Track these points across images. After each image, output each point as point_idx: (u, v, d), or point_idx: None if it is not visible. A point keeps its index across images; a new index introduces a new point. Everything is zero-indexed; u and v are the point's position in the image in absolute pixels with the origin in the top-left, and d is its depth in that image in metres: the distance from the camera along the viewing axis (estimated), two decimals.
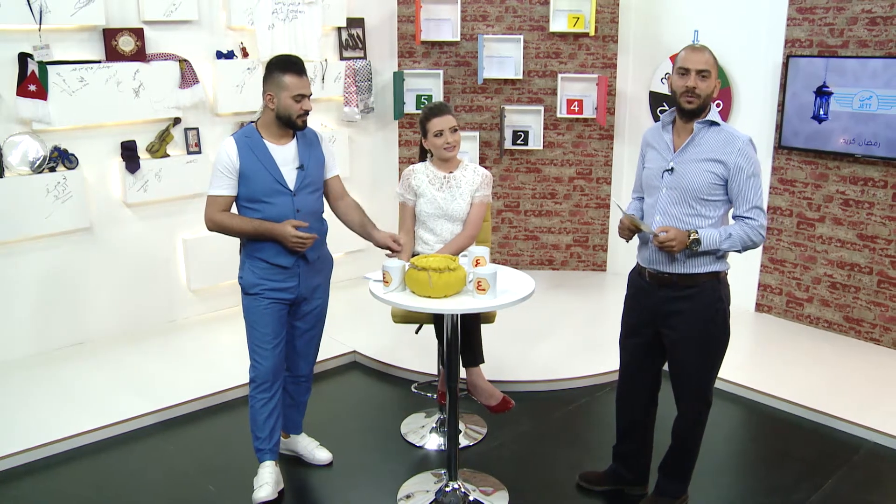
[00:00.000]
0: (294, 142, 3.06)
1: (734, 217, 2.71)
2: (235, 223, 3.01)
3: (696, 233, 2.63)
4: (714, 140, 2.69)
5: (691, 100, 2.67)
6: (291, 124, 2.99)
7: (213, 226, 3.04)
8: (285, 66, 2.95)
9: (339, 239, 5.52)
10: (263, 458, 3.16)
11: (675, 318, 2.79)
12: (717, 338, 2.81)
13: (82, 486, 3.27)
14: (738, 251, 2.69)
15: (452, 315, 2.97)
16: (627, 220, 2.79)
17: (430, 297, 2.74)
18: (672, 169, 2.74)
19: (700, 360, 2.82)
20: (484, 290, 2.73)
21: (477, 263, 2.95)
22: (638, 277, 2.92)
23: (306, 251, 3.06)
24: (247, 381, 3.16)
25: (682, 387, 2.89)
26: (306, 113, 2.99)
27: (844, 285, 4.64)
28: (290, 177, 3.03)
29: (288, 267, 3.06)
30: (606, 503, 3.19)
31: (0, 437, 3.49)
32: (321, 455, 3.43)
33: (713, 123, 2.71)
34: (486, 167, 5.68)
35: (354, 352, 4.50)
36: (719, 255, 2.71)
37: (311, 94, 3.01)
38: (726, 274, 2.81)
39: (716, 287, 2.75)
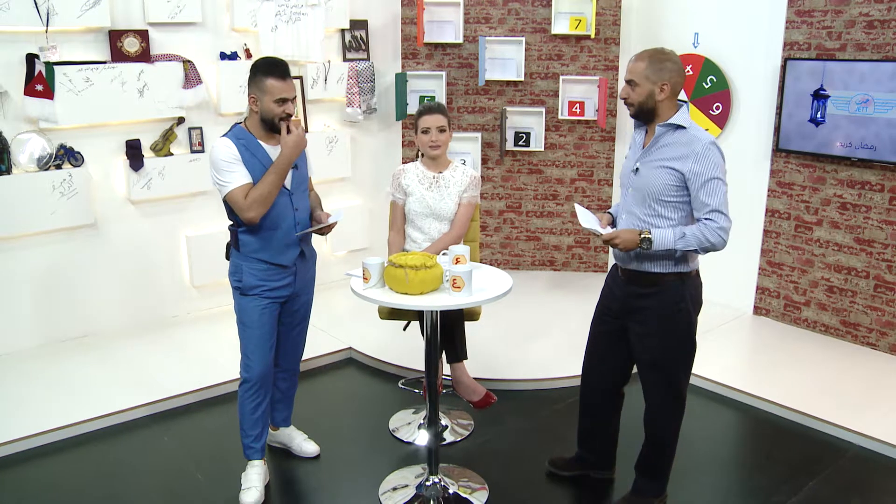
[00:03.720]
0: None
1: (696, 220, 2.73)
2: (263, 186, 2.92)
3: (649, 232, 2.67)
4: (676, 143, 2.72)
5: (628, 107, 2.78)
6: (273, 127, 2.97)
7: (254, 211, 2.91)
8: (269, 68, 2.93)
9: (343, 238, 5.65)
10: (253, 456, 3.20)
11: (638, 314, 2.87)
12: (677, 337, 2.85)
13: (78, 473, 3.38)
14: (697, 252, 2.70)
15: (432, 312, 3.03)
16: (584, 229, 2.87)
17: (406, 293, 2.80)
18: (637, 169, 2.80)
19: (660, 357, 2.88)
20: (459, 287, 2.78)
21: (457, 261, 3.00)
22: (614, 270, 3.02)
23: (303, 247, 3.11)
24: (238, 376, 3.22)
25: (645, 382, 2.96)
26: (289, 117, 2.96)
27: (841, 289, 4.62)
28: (287, 177, 3.03)
29: (288, 266, 3.09)
30: (578, 491, 3.24)
31: (3, 424, 3.61)
32: (309, 448, 3.50)
33: (679, 126, 2.73)
34: (488, 168, 5.76)
35: (350, 348, 4.56)
36: (677, 255, 2.73)
37: (294, 98, 2.99)
38: (695, 274, 2.85)
39: (678, 288, 2.79)
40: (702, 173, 2.65)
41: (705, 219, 2.66)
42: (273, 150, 3.01)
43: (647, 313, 2.83)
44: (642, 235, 2.67)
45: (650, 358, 2.89)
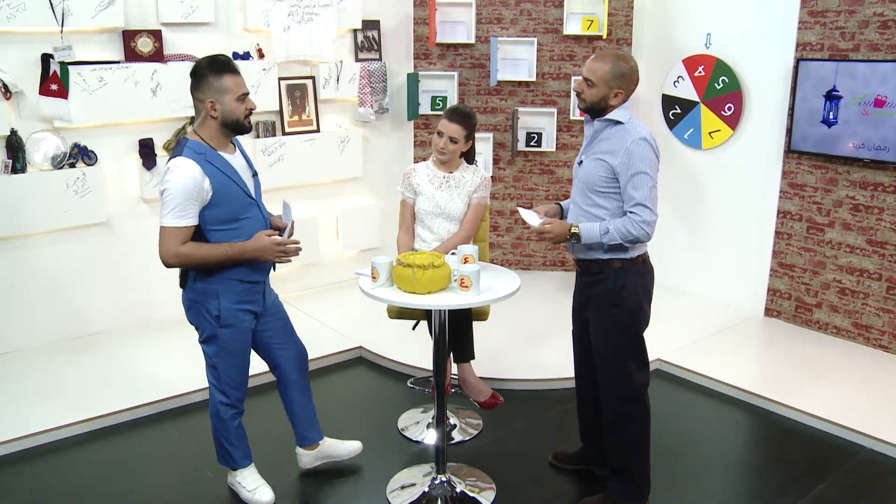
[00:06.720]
0: (237, 149, 2.90)
1: (624, 212, 2.81)
2: (204, 252, 2.71)
3: (577, 227, 2.80)
4: (612, 137, 2.82)
5: (580, 102, 2.88)
6: (239, 128, 2.78)
7: (178, 261, 2.70)
8: (220, 66, 2.71)
9: (353, 237, 5.68)
10: (245, 463, 3.15)
11: (589, 304, 2.97)
12: (621, 325, 2.89)
13: (89, 469, 3.42)
14: (623, 244, 2.77)
15: (440, 311, 3.04)
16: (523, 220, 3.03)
17: (414, 292, 2.82)
18: (581, 162, 2.91)
19: (609, 346, 2.93)
20: (467, 286, 2.79)
21: (466, 261, 3.02)
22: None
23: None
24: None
25: (601, 375, 2.99)
26: (251, 112, 2.80)
27: (853, 291, 4.59)
28: (251, 186, 2.87)
29: (263, 281, 2.97)
30: (584, 492, 3.23)
31: (19, 419, 3.66)
32: (353, 446, 3.43)
33: (617, 122, 2.81)
34: (499, 168, 5.76)
35: (361, 347, 4.58)
36: (605, 248, 2.82)
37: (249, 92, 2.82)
38: (641, 261, 2.89)
39: (619, 274, 2.86)
40: (629, 167, 2.73)
41: (630, 212, 2.75)
42: (231, 158, 2.81)
43: (594, 302, 2.94)
44: (571, 230, 2.79)
45: (598, 348, 2.96)
